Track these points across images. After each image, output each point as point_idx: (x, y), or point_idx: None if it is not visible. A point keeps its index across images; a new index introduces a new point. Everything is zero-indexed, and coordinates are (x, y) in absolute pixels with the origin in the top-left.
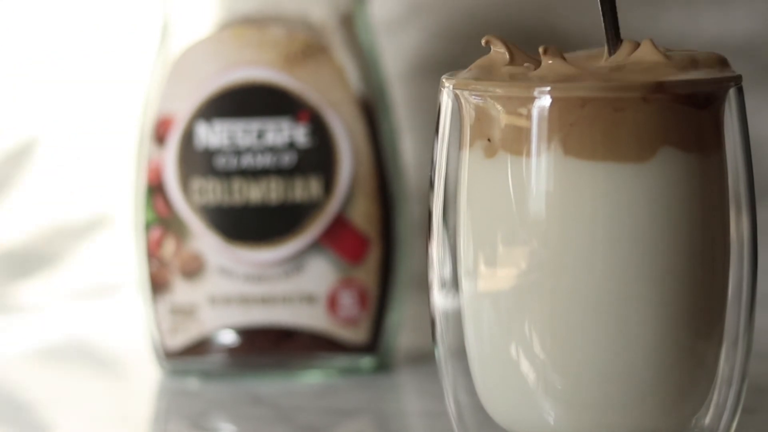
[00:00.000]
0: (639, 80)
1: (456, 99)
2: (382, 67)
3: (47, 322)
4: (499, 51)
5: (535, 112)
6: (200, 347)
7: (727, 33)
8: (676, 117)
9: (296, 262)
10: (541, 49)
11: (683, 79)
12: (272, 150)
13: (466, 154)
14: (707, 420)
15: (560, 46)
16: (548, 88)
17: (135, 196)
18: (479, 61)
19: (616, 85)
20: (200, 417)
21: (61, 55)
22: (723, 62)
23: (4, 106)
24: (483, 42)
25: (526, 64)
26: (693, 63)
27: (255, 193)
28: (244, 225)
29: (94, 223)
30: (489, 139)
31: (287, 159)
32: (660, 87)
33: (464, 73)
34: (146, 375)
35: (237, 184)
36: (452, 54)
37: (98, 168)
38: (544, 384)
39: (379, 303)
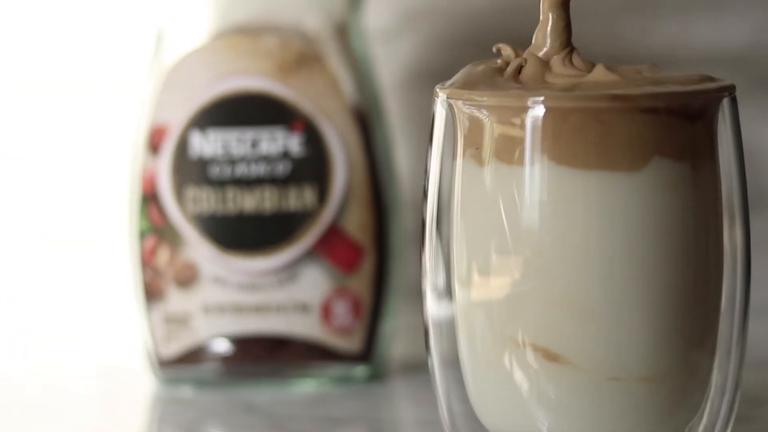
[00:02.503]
0: (632, 92)
1: (450, 108)
2: (375, 77)
3: (43, 331)
4: (508, 56)
5: (528, 122)
6: (194, 356)
7: (720, 44)
8: (669, 127)
9: (290, 271)
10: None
11: (676, 91)
12: (266, 159)
13: (459, 163)
14: (700, 429)
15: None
16: (542, 98)
17: (129, 205)
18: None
19: (609, 96)
20: (194, 425)
21: (56, 63)
22: (704, 80)
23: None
24: (494, 49)
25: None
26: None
27: (249, 202)
28: (238, 234)
29: (88, 230)
30: (477, 148)
31: (281, 168)
32: (652, 98)
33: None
34: (140, 383)
35: (231, 193)
36: (446, 63)
37: (92, 176)
38: (537, 393)
39: (372, 312)
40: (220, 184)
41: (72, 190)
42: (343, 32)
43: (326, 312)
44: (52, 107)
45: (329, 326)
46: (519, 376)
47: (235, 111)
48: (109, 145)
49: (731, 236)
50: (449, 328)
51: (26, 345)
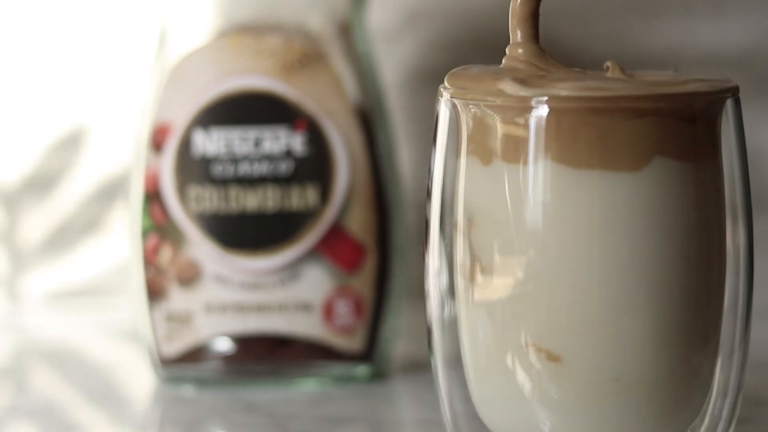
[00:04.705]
0: (635, 92)
1: (453, 108)
2: (379, 76)
3: (43, 328)
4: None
5: (532, 122)
6: (196, 354)
7: (723, 45)
8: (671, 128)
9: (292, 270)
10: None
11: (678, 92)
12: (269, 158)
13: (462, 162)
14: (702, 431)
15: (557, 57)
16: (545, 98)
17: (132, 203)
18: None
19: (613, 97)
20: (195, 424)
21: (57, 63)
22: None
23: (9, 107)
24: (605, 66)
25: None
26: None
27: (251, 201)
28: (240, 233)
29: (91, 228)
30: (480, 147)
31: (284, 167)
32: (653, 99)
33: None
34: (141, 382)
35: (234, 191)
36: (450, 63)
37: (96, 172)
38: (539, 393)
39: (374, 311)
40: (223, 182)
41: (76, 186)
42: (347, 31)
43: (328, 311)
44: (55, 107)
45: (331, 326)
46: (521, 376)
47: (238, 110)
48: (113, 143)
49: (734, 237)
50: (452, 328)
51: (28, 343)
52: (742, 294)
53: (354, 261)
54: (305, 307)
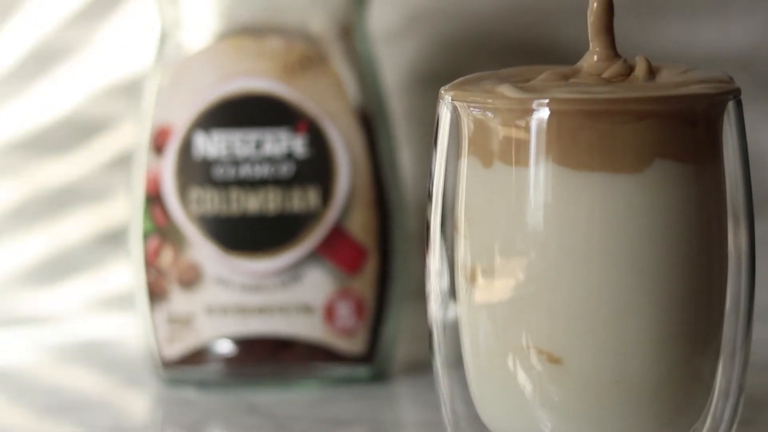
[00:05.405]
0: (635, 95)
1: (454, 110)
2: (380, 78)
3: (44, 332)
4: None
5: (533, 124)
6: (197, 357)
7: (725, 46)
8: (671, 129)
9: (293, 272)
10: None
11: (681, 94)
12: (270, 160)
13: (464, 164)
14: None
15: (559, 59)
16: (546, 101)
17: (133, 206)
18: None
19: (614, 99)
20: (197, 426)
21: (59, 63)
22: (717, 82)
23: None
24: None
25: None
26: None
27: (253, 203)
28: (241, 235)
29: (92, 227)
30: (481, 149)
31: (285, 169)
32: (653, 101)
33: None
34: (143, 384)
35: (235, 194)
36: (451, 65)
37: (98, 175)
38: (540, 395)
39: (376, 313)
40: (224, 185)
41: (79, 188)
42: (348, 33)
43: (329, 313)
44: (56, 102)
45: (332, 327)
46: (522, 378)
47: (240, 112)
48: (114, 145)
49: (736, 238)
50: (453, 329)
51: (30, 343)
52: (744, 295)
53: (355, 263)
54: (306, 309)
